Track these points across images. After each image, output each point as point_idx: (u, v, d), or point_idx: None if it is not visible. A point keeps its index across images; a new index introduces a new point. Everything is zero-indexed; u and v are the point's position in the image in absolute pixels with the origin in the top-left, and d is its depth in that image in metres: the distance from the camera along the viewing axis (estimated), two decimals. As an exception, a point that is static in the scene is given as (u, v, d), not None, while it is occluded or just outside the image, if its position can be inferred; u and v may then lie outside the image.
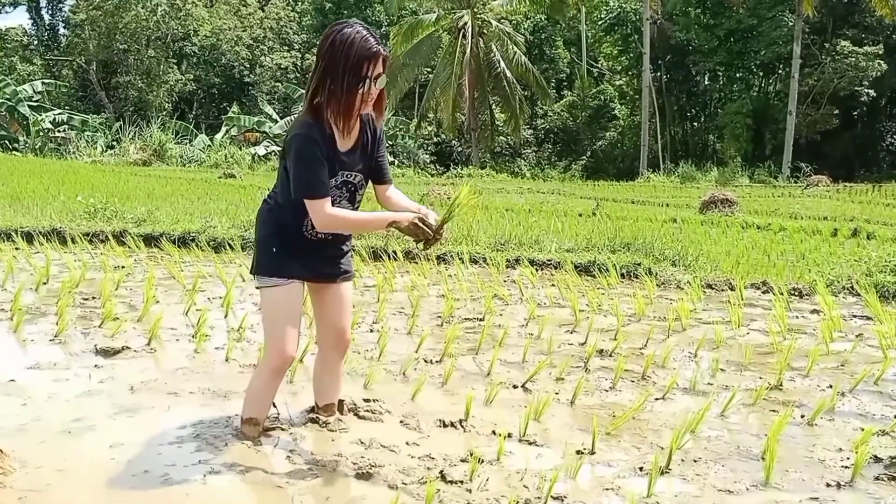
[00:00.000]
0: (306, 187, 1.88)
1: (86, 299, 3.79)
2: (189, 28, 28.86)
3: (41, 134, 20.55)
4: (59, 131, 21.00)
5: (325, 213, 1.89)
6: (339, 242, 2.08)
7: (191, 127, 24.52)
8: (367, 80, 1.85)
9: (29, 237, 5.49)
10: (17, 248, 5.19)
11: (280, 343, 1.99)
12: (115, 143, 21.34)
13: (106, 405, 2.36)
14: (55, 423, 2.18)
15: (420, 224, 1.90)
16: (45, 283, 4.11)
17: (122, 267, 4.68)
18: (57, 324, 3.17)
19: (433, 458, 2.01)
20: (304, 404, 2.35)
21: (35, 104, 21.28)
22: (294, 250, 1.99)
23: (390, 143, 22.92)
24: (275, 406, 2.28)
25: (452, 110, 22.55)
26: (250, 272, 2.09)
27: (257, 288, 2.04)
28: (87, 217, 6.21)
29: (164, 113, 26.19)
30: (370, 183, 2.08)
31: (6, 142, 20.44)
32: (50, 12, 30.86)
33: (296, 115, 1.93)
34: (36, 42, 30.83)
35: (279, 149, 1.95)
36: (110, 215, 6.26)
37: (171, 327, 3.29)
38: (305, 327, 3.18)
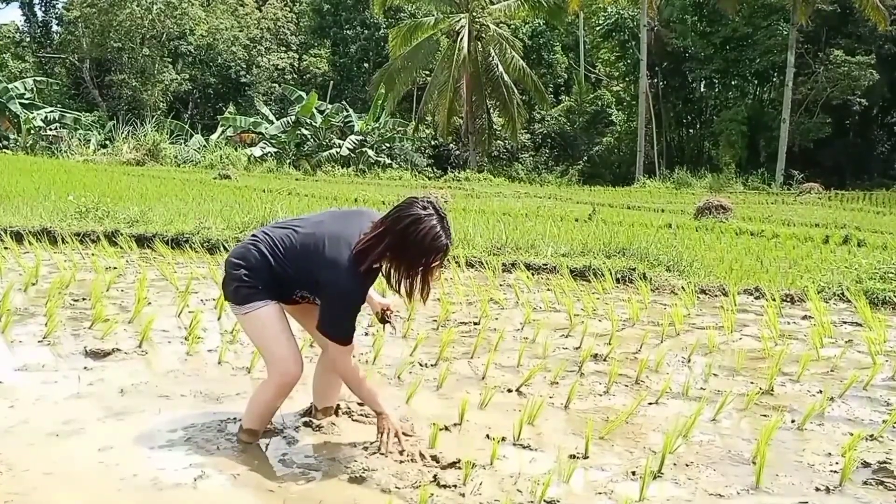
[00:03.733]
0: (346, 333, 1.94)
1: (76, 300, 3.75)
2: (185, 27, 28.73)
3: (32, 132, 20.40)
4: (50, 129, 20.84)
5: (348, 360, 1.97)
6: None
7: (186, 127, 24.41)
8: (425, 269, 1.90)
9: (18, 237, 5.42)
10: (5, 248, 5.12)
11: (283, 362, 1.98)
12: (108, 142, 21.21)
13: (95, 408, 2.33)
14: (43, 426, 2.15)
15: (397, 438, 1.99)
16: (34, 284, 4.07)
17: (114, 268, 4.64)
18: (46, 325, 3.13)
19: (427, 462, 2.00)
20: (297, 407, 2.33)
21: (27, 102, 21.10)
22: (274, 292, 2.02)
23: (388, 145, 22.92)
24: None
25: (449, 114, 22.58)
26: (226, 298, 2.07)
27: (239, 315, 2.02)
28: (78, 217, 6.15)
29: (159, 112, 26.04)
30: None
31: (-4, 140, 20.26)
32: (43, 9, 30.67)
33: (332, 254, 1.92)
34: (28, 39, 30.59)
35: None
36: (102, 215, 6.20)
37: (162, 329, 3.25)
38: (300, 329, 3.16)
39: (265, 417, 2.08)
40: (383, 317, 2.23)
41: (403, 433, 2.03)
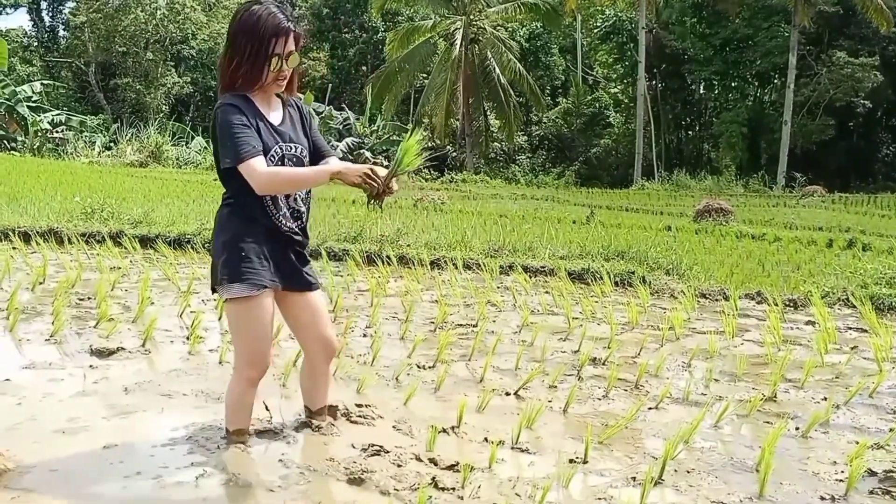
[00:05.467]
0: (235, 152, 1.78)
1: (81, 300, 3.79)
2: (187, 32, 28.95)
3: (39, 134, 20.52)
4: (57, 132, 20.98)
5: (260, 173, 1.79)
6: (303, 237, 2.03)
7: (187, 129, 24.52)
8: (278, 58, 1.84)
9: (26, 237, 5.49)
10: (14, 248, 5.19)
11: (257, 355, 1.95)
12: (112, 144, 21.32)
13: (100, 406, 2.35)
14: (49, 423, 2.18)
15: (369, 174, 1.81)
16: (41, 283, 4.11)
17: (118, 268, 4.68)
18: (52, 324, 3.17)
19: (426, 464, 2.01)
20: (297, 408, 2.34)
21: (34, 105, 21.24)
22: (262, 251, 1.90)
23: (385, 147, 22.98)
24: (268, 409, 2.29)
25: (445, 116, 22.61)
26: (213, 285, 1.94)
27: (229, 301, 1.91)
28: (84, 217, 6.21)
29: (162, 115, 26.21)
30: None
31: (5, 142, 20.40)
32: (50, 14, 30.98)
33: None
34: (36, 43, 30.87)
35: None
36: (107, 216, 6.26)
37: (165, 329, 3.29)
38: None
39: (245, 413, 2.05)
40: (368, 185, 1.82)
41: (371, 171, 1.81)
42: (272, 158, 1.89)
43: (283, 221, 1.95)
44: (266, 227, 1.92)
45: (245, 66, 1.84)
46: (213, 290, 2.00)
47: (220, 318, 3.55)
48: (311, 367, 2.16)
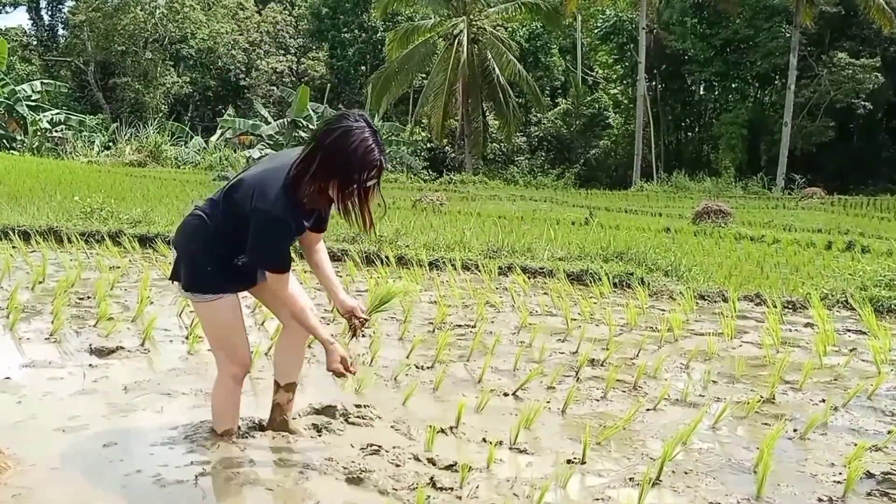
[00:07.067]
0: (278, 261, 1.86)
1: (81, 299, 3.80)
2: (186, 31, 28.93)
3: (38, 133, 20.51)
4: (56, 131, 20.97)
5: (284, 288, 1.90)
6: None
7: (186, 129, 24.52)
8: (359, 186, 1.81)
9: (26, 236, 5.50)
10: (14, 247, 5.19)
11: (236, 352, 2.00)
12: (111, 143, 21.32)
13: (100, 404, 2.37)
14: (50, 422, 2.19)
15: (343, 369, 1.94)
16: (40, 282, 4.12)
17: (118, 267, 4.68)
18: (52, 322, 3.18)
19: (424, 464, 2.01)
20: (298, 408, 2.35)
21: (33, 104, 21.24)
22: (226, 270, 1.96)
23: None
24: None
25: (444, 116, 22.61)
26: (183, 287, 1.97)
27: (195, 302, 1.98)
28: (84, 217, 6.21)
29: (161, 115, 26.21)
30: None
31: (4, 141, 20.39)
32: (49, 13, 30.97)
33: (263, 185, 1.83)
34: (35, 42, 30.87)
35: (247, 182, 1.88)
36: (106, 216, 6.27)
37: (164, 328, 3.30)
38: (261, 322, 3.18)
39: (232, 413, 2.08)
40: (351, 323, 2.07)
41: (350, 364, 1.97)
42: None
43: (240, 259, 1.97)
44: (229, 261, 1.98)
45: (322, 184, 1.81)
46: (172, 280, 2.05)
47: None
48: (289, 341, 2.15)
